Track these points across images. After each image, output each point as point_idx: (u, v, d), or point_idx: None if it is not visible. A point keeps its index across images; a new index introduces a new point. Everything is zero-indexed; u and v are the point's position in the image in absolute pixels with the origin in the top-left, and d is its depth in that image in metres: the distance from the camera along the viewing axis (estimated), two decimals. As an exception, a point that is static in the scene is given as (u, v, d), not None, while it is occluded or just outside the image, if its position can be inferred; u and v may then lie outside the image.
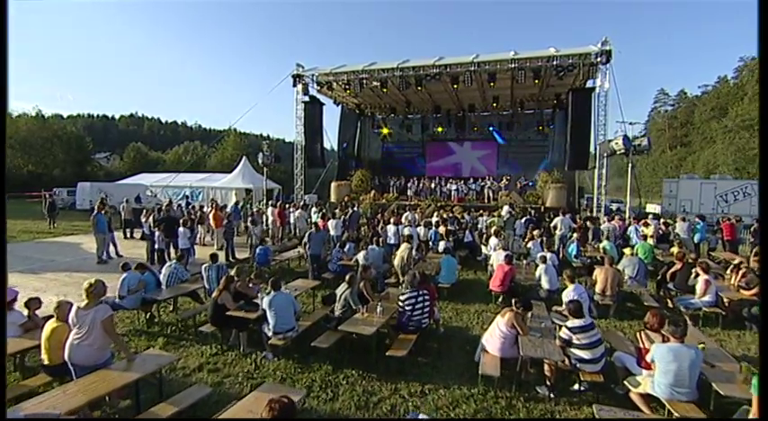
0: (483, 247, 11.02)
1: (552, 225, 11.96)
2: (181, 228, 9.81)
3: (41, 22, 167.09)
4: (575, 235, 10.72)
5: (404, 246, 8.48)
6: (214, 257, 6.87)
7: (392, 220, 11.66)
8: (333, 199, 21.94)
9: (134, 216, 15.70)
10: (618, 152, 13.46)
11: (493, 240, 10.26)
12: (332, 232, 11.65)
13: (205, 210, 14.81)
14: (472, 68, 17.20)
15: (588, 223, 12.26)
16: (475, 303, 7.75)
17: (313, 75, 19.78)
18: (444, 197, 21.51)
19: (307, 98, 19.98)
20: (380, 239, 9.78)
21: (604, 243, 10.10)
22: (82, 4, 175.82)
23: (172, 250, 10.26)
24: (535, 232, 10.93)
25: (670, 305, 7.32)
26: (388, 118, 27.11)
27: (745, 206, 20.64)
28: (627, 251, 8.59)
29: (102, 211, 10.80)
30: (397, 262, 8.14)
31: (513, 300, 4.91)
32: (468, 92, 21.20)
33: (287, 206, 15.83)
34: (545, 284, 7.11)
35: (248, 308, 5.41)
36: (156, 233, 10.05)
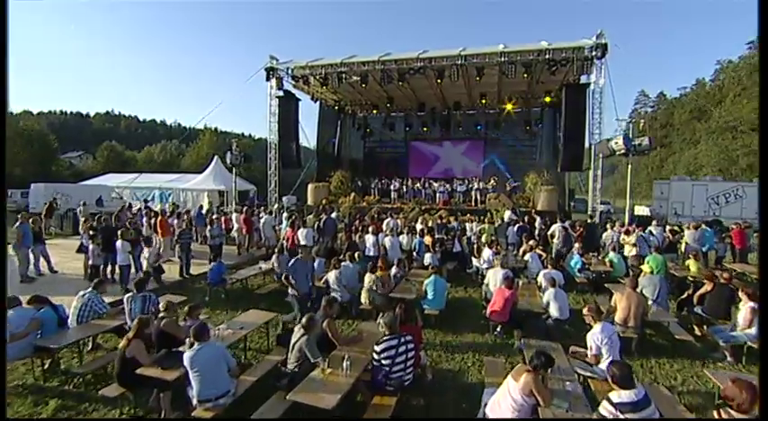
0: (474, 259, 9.75)
1: (549, 233, 10.79)
2: (119, 241, 8.24)
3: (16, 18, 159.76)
4: (576, 245, 9.54)
5: (368, 278, 7.01)
6: (140, 284, 5.36)
7: (370, 229, 10.28)
8: (310, 202, 20.43)
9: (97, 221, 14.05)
10: (618, 152, 12.40)
11: (486, 252, 9.00)
12: (302, 242, 10.22)
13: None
14: (459, 62, 15.98)
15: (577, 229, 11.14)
16: (468, 332, 6.46)
17: (288, 68, 18.28)
18: (429, 199, 20.29)
19: (281, 93, 18.45)
20: (356, 253, 8.41)
21: (611, 255, 8.94)
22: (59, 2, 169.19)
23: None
24: (531, 242, 9.72)
25: (698, 332, 6.18)
26: (370, 116, 25.77)
27: (735, 209, 19.99)
28: (645, 268, 7.44)
29: (30, 221, 9.14)
30: (363, 295, 6.76)
31: (528, 358, 3.60)
32: (454, 88, 20.02)
33: (257, 211, 14.34)
34: (554, 312, 5.85)
35: (167, 364, 3.97)
36: (90, 246, 8.44)
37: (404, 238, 11.33)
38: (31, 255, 9.20)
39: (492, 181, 20.00)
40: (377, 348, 3.85)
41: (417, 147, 25.83)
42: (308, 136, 23.54)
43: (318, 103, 22.70)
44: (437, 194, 20.04)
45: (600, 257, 9.56)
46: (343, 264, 7.47)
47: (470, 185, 20.13)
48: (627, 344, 5.72)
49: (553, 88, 18.81)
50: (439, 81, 17.04)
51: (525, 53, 15.45)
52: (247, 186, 29.45)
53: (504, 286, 6.06)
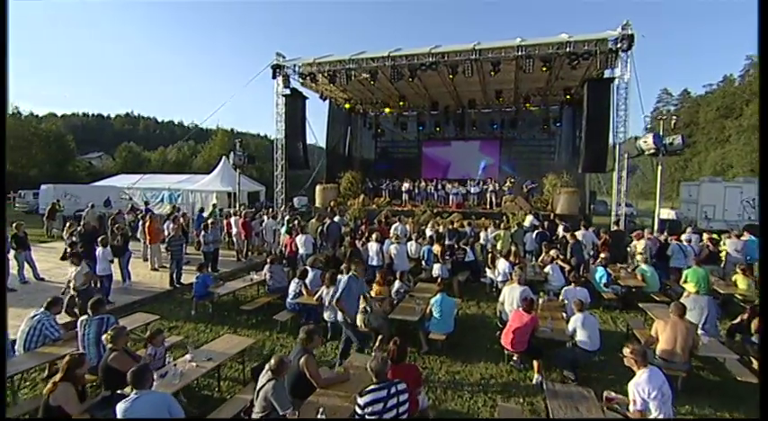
0: (488, 270, 8.86)
1: (572, 241, 9.79)
2: (99, 249, 7.62)
3: (40, 23, 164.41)
4: (601, 255, 8.56)
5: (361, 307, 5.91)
6: (95, 305, 4.60)
7: (374, 236, 9.44)
8: (318, 204, 19.78)
9: (100, 224, 13.61)
10: (647, 152, 11.32)
11: (502, 264, 8.09)
12: (301, 250, 9.47)
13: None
14: (473, 57, 15.04)
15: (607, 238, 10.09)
16: (479, 361, 5.60)
17: (295, 65, 17.60)
18: (442, 202, 19.40)
19: (288, 91, 17.79)
20: (356, 263, 7.61)
21: (643, 267, 7.93)
22: (79, 4, 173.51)
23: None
24: (552, 252, 8.77)
25: (755, 366, 5.19)
26: (382, 115, 24.98)
27: (774, 212, 18.52)
28: (689, 287, 6.46)
29: (14, 225, 8.61)
30: (359, 318, 5.91)
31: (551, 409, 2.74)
32: (469, 86, 19.10)
33: (260, 214, 13.65)
34: (582, 341, 4.95)
35: (102, 414, 3.24)
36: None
37: (412, 245, 10.53)
38: (14, 262, 8.70)
39: (508, 182, 19.01)
40: (360, 401, 3.04)
41: (430, 147, 24.93)
42: (319, 135, 22.83)
43: (328, 101, 22.00)
44: (450, 196, 19.13)
45: (630, 269, 8.53)
46: (339, 277, 6.68)
47: (486, 187, 19.15)
48: (671, 382, 4.80)
49: (573, 85, 17.75)
50: (452, 77, 16.13)
51: (544, 46, 14.44)
52: (257, 187, 28.96)
53: (522, 308, 5.17)
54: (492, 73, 15.45)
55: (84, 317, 4.56)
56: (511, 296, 6.01)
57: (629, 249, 9.91)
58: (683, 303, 5.21)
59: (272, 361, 3.31)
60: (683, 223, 17.29)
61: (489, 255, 8.83)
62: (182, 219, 12.61)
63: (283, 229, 11.01)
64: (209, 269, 10.45)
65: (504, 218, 16.02)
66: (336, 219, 13.03)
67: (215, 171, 24.84)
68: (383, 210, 18.23)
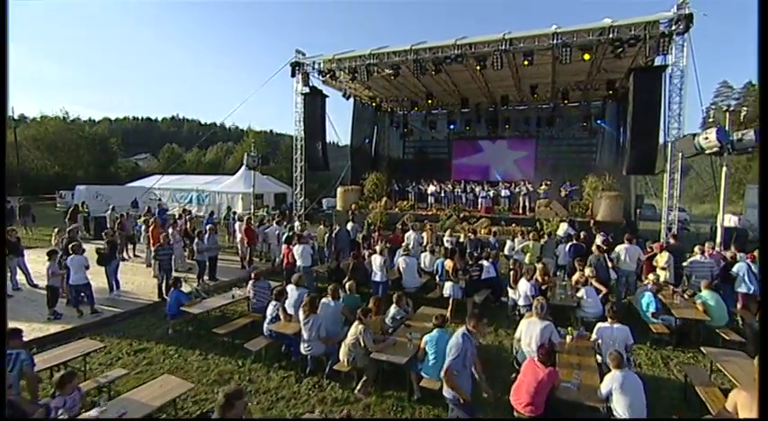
0: (510, 289, 7.61)
1: (613, 256, 8.32)
2: (71, 256, 7.05)
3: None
4: (650, 277, 7.08)
5: (353, 329, 5.01)
6: (12, 335, 3.86)
7: (378, 248, 8.38)
8: (339, 207, 18.99)
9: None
10: (707, 151, 9.59)
11: (523, 285, 6.83)
12: (299, 262, 8.57)
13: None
14: (502, 47, 13.69)
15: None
16: (486, 414, 4.45)
17: (314, 62, 16.87)
18: (470, 205, 18.08)
19: (307, 90, 17.08)
20: (348, 283, 6.64)
21: (705, 294, 6.42)
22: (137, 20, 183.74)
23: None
24: (587, 270, 7.38)
25: None
26: (411, 113, 23.90)
27: None
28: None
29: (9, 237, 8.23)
30: (342, 352, 4.91)
31: None
32: (500, 81, 17.72)
33: (271, 218, 12.98)
34: (620, 410, 3.68)
35: None
36: (47, 263, 7.30)
37: (426, 257, 9.42)
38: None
39: (544, 184, 17.41)
40: None
41: (461, 146, 23.60)
42: (344, 134, 22.00)
43: (352, 100, 21.15)
44: (479, 200, 17.76)
45: (687, 295, 6.99)
46: (322, 302, 5.72)
47: (518, 190, 17.63)
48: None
49: (618, 77, 15.97)
50: (479, 70, 14.86)
51: (583, 33, 12.90)
52: (284, 189, 28.66)
53: (538, 358, 3.96)
54: (525, 64, 14.04)
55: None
56: (528, 334, 4.80)
57: (684, 265, 8.31)
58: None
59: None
60: (749, 231, 15.05)
61: (511, 272, 7.54)
62: (188, 224, 12.18)
63: (285, 236, 10.20)
64: (207, 278, 9.86)
65: (538, 224, 14.57)
66: (350, 225, 12.12)
67: (238, 172, 24.73)
68: (405, 213, 17.20)
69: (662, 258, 7.78)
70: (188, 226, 12.01)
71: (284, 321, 5.76)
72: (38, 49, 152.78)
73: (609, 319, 5.02)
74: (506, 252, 10.41)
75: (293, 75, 16.77)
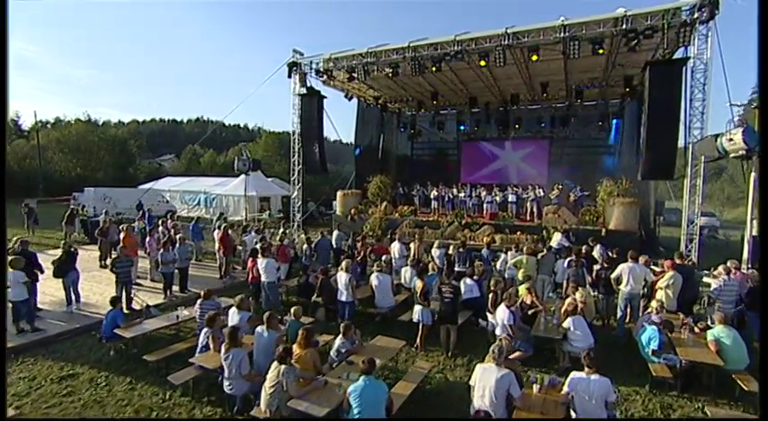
0: (489, 314, 6.68)
1: (614, 277, 7.27)
2: (10, 272, 6.56)
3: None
4: (653, 304, 6.04)
5: (273, 372, 4.21)
6: None
7: (344, 264, 7.53)
8: (338, 212, 18.28)
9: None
10: (731, 154, 8.38)
11: (501, 312, 5.90)
12: (263, 277, 7.86)
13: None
14: (505, 42, 12.70)
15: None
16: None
17: (312, 61, 16.23)
18: (475, 210, 17.06)
19: (304, 90, 16.46)
20: (294, 309, 5.89)
21: (718, 330, 5.33)
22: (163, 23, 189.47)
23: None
24: (579, 294, 6.37)
25: None
26: (419, 114, 23.00)
27: None
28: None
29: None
30: (263, 398, 4.10)
31: None
32: (508, 79, 16.70)
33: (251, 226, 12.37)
34: None
35: None
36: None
37: (406, 272, 8.60)
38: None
39: (555, 189, 16.25)
40: None
41: (471, 148, 22.54)
42: (351, 134, 21.39)
43: (357, 100, 20.44)
44: (485, 205, 16.71)
45: (697, 328, 5.86)
46: (256, 330, 4.99)
47: (526, 195, 16.48)
48: None
49: (636, 73, 14.65)
50: (484, 67, 13.88)
51: (593, 25, 11.77)
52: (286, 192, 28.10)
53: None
54: (534, 59, 13.00)
55: None
56: (482, 384, 3.93)
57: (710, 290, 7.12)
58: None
59: None
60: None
61: (491, 295, 6.60)
62: (171, 231, 11.70)
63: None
64: (178, 289, 9.33)
65: (544, 233, 13.50)
66: (335, 233, 11.39)
67: (241, 175, 24.08)
68: (406, 219, 16.35)
69: (662, 280, 6.69)
70: (171, 232, 11.52)
71: (213, 351, 5.06)
72: (69, 52, 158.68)
73: (585, 368, 4.07)
74: (499, 266, 9.43)
75: (290, 75, 16.19)
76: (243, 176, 24.26)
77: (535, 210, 15.73)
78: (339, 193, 18.67)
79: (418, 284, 6.73)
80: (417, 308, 6.64)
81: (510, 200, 16.43)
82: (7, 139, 43.18)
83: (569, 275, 6.59)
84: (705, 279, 7.98)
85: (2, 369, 3.50)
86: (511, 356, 5.93)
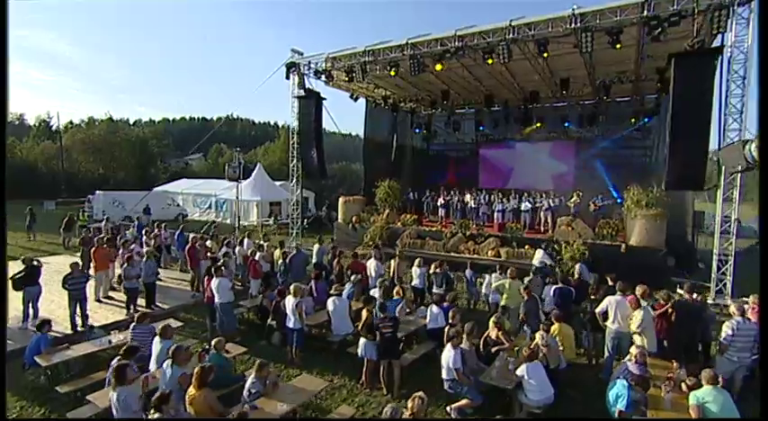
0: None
1: (599, 311, 6.04)
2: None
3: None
4: (632, 350, 4.84)
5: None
6: None
7: (292, 288, 6.76)
8: (341, 219, 17.54)
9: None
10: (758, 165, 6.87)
11: (447, 354, 4.95)
12: (216, 299, 7.21)
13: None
14: (510, 36, 11.49)
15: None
16: None
17: (310, 62, 15.61)
18: (484, 220, 15.80)
19: (302, 92, 15.85)
20: (214, 344, 5.19)
21: (702, 393, 3.96)
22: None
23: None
24: (538, 335, 5.26)
25: None
26: (434, 114, 21.90)
27: None
28: None
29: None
30: None
31: None
32: (524, 75, 15.33)
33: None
34: None
35: None
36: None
37: (375, 293, 7.72)
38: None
39: (575, 196, 14.65)
40: None
41: (489, 150, 21.19)
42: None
43: (365, 101, 19.61)
44: (495, 214, 15.43)
45: (686, 383, 4.58)
46: (162, 365, 4.35)
47: (540, 203, 15.00)
48: None
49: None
50: (488, 61, 12.62)
51: (609, 13, 10.34)
52: (305, 195, 27.47)
53: None
54: (546, 55, 11.73)
55: None
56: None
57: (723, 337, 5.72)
58: None
59: None
60: None
61: (446, 328, 5.59)
62: (153, 240, 11.46)
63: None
64: (146, 304, 8.96)
65: (556, 247, 12.09)
66: (316, 247, 10.66)
67: (250, 177, 23.43)
68: (408, 228, 15.35)
69: (636, 317, 5.44)
70: (152, 244, 11.27)
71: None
72: (107, 51, 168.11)
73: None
74: (484, 289, 8.36)
75: (288, 76, 15.65)
76: (249, 179, 23.57)
77: (549, 220, 14.26)
78: (341, 200, 17.89)
79: (363, 314, 5.85)
80: (362, 341, 5.77)
81: (523, 208, 15.02)
82: (37, 140, 45.41)
83: (523, 308, 5.50)
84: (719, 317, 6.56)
85: (2, 369, 3.46)
86: (456, 405, 5.04)
